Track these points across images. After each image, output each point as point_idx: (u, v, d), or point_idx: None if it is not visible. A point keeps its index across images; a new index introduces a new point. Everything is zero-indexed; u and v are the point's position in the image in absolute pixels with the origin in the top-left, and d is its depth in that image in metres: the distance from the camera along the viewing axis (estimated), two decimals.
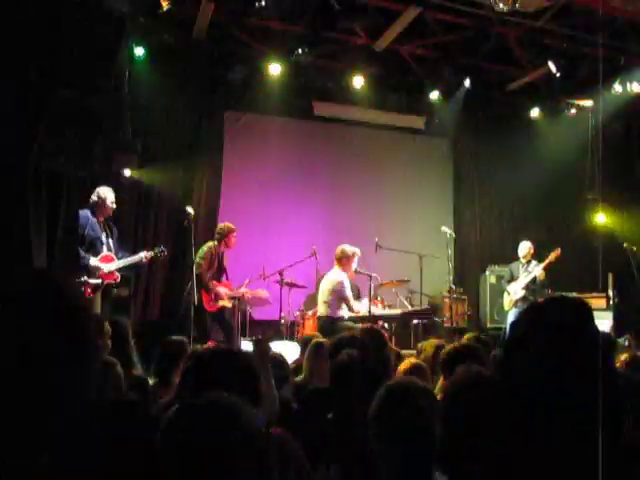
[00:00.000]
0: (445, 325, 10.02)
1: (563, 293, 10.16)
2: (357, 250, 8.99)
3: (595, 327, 1.73)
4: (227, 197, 11.06)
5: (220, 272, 9.16)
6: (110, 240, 7.95)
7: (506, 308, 10.33)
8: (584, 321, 1.70)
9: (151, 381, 4.66)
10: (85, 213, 7.75)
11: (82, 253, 7.61)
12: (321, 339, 5.58)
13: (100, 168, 8.93)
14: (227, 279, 9.27)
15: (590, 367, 1.61)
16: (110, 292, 7.95)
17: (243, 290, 9.26)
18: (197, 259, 8.60)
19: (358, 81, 10.77)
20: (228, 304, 9.10)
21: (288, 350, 7.38)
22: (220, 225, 9.44)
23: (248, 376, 2.62)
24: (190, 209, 8.43)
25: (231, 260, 9.58)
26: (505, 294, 10.40)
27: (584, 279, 10.82)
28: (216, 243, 9.07)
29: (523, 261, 10.28)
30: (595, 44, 9.49)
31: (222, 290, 9.02)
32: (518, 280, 10.17)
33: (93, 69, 8.48)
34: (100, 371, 3.21)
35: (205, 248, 9.00)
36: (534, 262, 10.19)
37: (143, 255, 8.19)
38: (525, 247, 10.31)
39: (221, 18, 9.28)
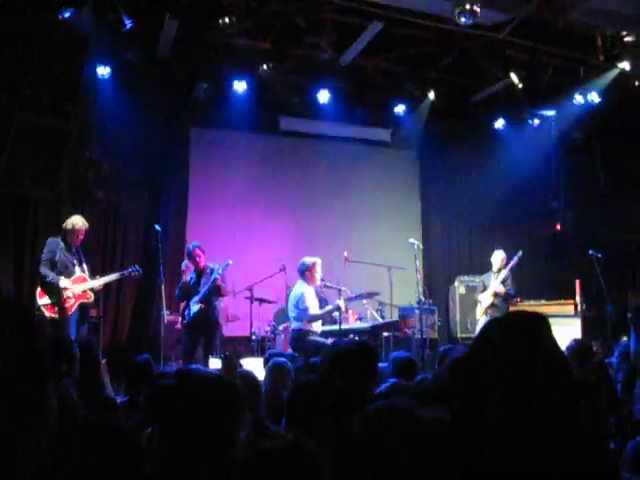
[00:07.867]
0: (415, 337, 10.01)
1: (531, 302, 10.31)
2: (318, 259, 8.81)
3: (553, 339, 1.79)
4: (195, 214, 11.03)
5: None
6: (84, 265, 7.94)
7: (477, 317, 10.22)
8: (542, 334, 1.75)
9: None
10: (56, 239, 7.78)
11: (50, 275, 7.59)
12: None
13: (67, 189, 8.89)
14: None
15: (548, 378, 1.65)
16: (86, 313, 7.92)
17: None
18: None
19: (324, 95, 10.82)
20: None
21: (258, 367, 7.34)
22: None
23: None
24: (158, 227, 8.40)
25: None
26: (478, 304, 10.35)
27: (552, 286, 10.90)
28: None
29: (495, 270, 10.10)
30: (555, 55, 9.66)
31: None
32: (488, 288, 10.04)
33: (57, 89, 8.44)
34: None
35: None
36: (504, 271, 10.09)
37: (116, 275, 8.19)
38: (498, 257, 10.12)
39: (185, 35, 9.26)
